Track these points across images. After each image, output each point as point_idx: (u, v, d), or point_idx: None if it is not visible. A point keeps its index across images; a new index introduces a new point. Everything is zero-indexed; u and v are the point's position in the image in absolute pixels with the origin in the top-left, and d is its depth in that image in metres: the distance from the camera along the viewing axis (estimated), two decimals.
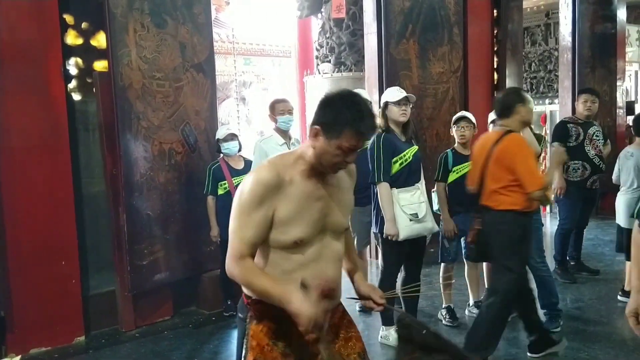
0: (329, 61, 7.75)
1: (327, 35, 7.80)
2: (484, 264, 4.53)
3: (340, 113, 1.77)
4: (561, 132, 5.11)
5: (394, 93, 3.87)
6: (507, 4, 6.81)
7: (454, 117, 4.35)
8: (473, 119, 4.29)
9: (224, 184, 4.36)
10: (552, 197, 5.07)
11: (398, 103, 3.78)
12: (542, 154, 5.31)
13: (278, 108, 4.15)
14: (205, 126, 4.68)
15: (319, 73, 7.75)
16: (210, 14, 4.69)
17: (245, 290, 1.89)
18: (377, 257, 5.52)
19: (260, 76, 16.83)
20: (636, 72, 11.37)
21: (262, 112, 15.38)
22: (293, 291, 1.72)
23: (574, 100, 7.63)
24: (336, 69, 7.63)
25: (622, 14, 8.02)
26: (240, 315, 3.07)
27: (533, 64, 10.05)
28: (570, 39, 7.61)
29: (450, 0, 6.14)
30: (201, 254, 4.68)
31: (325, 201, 1.87)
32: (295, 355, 1.86)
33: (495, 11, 6.78)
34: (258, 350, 1.85)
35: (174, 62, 4.42)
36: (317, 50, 8.05)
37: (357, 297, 2.08)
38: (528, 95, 3.54)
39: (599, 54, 7.77)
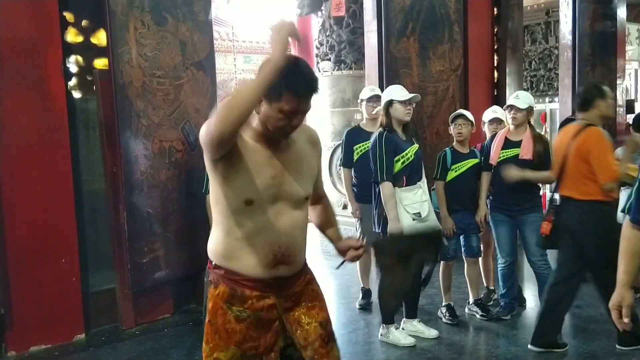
0: (329, 59, 7.74)
1: (327, 34, 7.80)
2: (481, 262, 4.54)
3: (281, 78, 1.70)
4: None
5: (400, 92, 3.90)
6: (507, 2, 6.82)
7: (451, 115, 4.37)
8: (471, 117, 4.30)
9: None
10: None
11: (404, 102, 3.81)
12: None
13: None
14: None
15: (319, 71, 7.74)
16: (210, 12, 4.69)
17: (210, 254, 1.93)
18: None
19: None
20: (636, 71, 11.38)
21: None
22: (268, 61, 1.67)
23: (573, 98, 7.65)
24: (336, 67, 7.61)
25: (622, 12, 8.02)
26: (205, 279, 3.10)
27: (533, 62, 10.04)
28: (570, 37, 7.61)
29: None
30: (201, 252, 4.58)
31: (278, 170, 1.87)
32: (250, 320, 1.88)
33: (495, 9, 6.78)
34: (212, 312, 1.90)
35: (174, 60, 4.42)
36: (317, 48, 8.05)
37: (340, 261, 2.15)
38: (609, 90, 3.67)
39: (599, 52, 7.77)
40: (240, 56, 16.19)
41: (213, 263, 1.93)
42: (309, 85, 1.78)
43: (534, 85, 10.06)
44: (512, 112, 4.18)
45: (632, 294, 1.98)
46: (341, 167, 4.95)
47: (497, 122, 4.55)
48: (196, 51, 4.60)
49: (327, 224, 2.19)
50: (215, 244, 1.92)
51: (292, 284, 1.96)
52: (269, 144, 1.86)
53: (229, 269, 1.88)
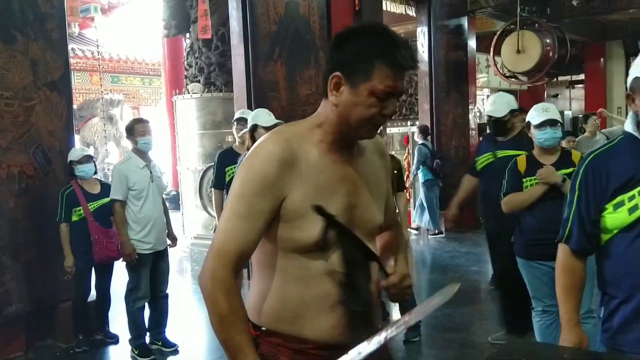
0: (199, 81, 7.68)
1: (196, 56, 7.73)
2: None
3: (366, 45, 1.32)
4: None
5: (265, 117, 3.99)
6: None
7: None
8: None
9: (79, 209, 4.11)
10: None
11: (267, 128, 3.85)
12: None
13: (138, 129, 4.02)
14: (61, 147, 4.43)
15: (188, 93, 7.64)
16: (65, 30, 4.48)
17: (256, 315, 1.42)
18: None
19: (129, 94, 16.29)
20: (487, 97, 12.41)
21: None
22: None
23: (432, 122, 8.18)
24: (206, 89, 7.56)
25: (472, 43, 8.73)
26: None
27: None
28: (427, 65, 8.16)
29: (315, 25, 6.34)
30: (57, 283, 4.38)
31: (352, 188, 1.41)
32: None
33: None
34: None
35: (24, 81, 4.15)
36: (187, 70, 7.95)
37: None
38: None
39: (453, 79, 8.39)
40: (108, 76, 15.60)
41: (263, 328, 1.41)
42: (411, 54, 1.34)
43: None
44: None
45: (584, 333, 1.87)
46: (212, 189, 4.88)
47: None
48: (49, 71, 4.35)
49: (394, 250, 1.61)
50: (269, 301, 1.39)
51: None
52: (340, 152, 1.41)
53: (294, 335, 1.37)
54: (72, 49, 14.11)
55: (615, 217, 1.73)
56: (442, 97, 8.24)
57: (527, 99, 11.23)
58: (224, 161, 4.57)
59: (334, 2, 6.57)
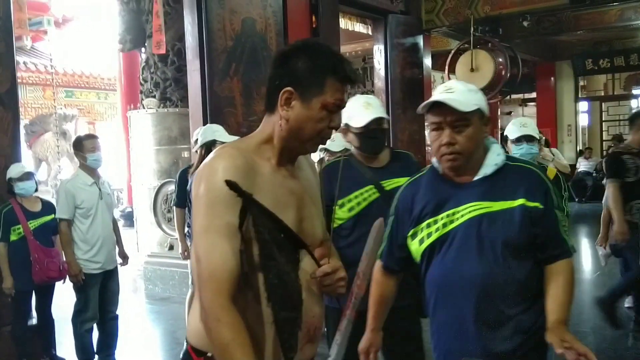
0: (154, 96, 7.56)
1: (152, 70, 7.62)
2: None
3: (317, 61, 1.38)
4: (617, 166, 4.34)
5: (225, 133, 3.98)
6: None
7: None
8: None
9: (18, 228, 3.93)
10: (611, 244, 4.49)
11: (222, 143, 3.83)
12: None
13: (87, 145, 3.92)
14: (7, 164, 4.26)
15: (144, 108, 7.52)
16: (12, 43, 4.33)
17: (194, 339, 1.39)
18: None
19: (84, 109, 15.96)
20: None
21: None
22: None
23: (389, 138, 8.26)
24: (161, 104, 7.45)
25: (427, 61, 8.87)
26: None
27: None
28: (383, 82, 8.24)
29: (272, 42, 6.33)
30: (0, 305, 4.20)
31: (300, 197, 1.44)
32: None
33: None
34: None
35: None
36: (142, 85, 7.82)
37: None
38: None
39: (409, 96, 8.49)
40: (62, 90, 15.25)
41: (209, 354, 1.36)
42: (354, 69, 1.44)
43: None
44: (327, 156, 4.19)
45: (381, 337, 1.98)
46: (174, 207, 4.76)
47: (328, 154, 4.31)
48: None
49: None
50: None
51: None
52: (287, 167, 1.45)
53: None
54: (24, 62, 13.78)
55: (413, 246, 1.83)
56: (399, 113, 8.31)
57: None
58: (185, 179, 4.48)
59: (291, 19, 6.60)
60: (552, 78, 12.60)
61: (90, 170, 3.96)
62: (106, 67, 15.14)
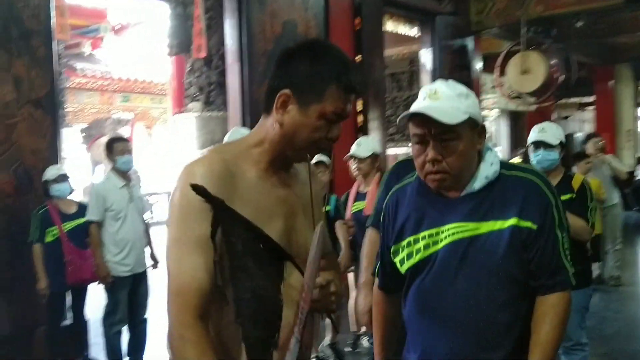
0: (198, 100, 7.62)
1: (197, 74, 7.68)
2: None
3: (320, 65, 1.27)
4: None
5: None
6: (368, 51, 7.06)
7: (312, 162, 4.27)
8: (328, 162, 4.24)
9: (53, 229, 3.99)
10: None
11: None
12: None
13: (117, 148, 3.93)
14: (44, 167, 4.32)
15: (189, 112, 7.58)
16: (52, 48, 4.40)
17: None
18: None
19: (140, 114, 16.36)
20: (498, 117, 12.23)
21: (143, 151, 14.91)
22: None
23: None
24: (205, 108, 7.50)
25: (477, 63, 8.59)
26: None
27: (400, 108, 10.49)
28: None
29: None
30: (34, 306, 4.25)
31: (291, 206, 1.34)
32: None
33: (358, 57, 6.99)
34: None
35: (6, 97, 4.08)
36: (187, 89, 7.90)
37: None
38: None
39: None
40: (119, 95, 15.70)
41: None
42: (360, 79, 1.32)
43: (400, 130, 10.47)
44: (355, 162, 3.87)
45: None
46: None
47: (323, 166, 4.13)
48: (34, 88, 4.27)
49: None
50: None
51: None
52: (278, 174, 1.34)
53: None
54: (82, 68, 14.24)
55: (397, 264, 1.60)
56: None
57: (535, 121, 11.00)
58: None
59: (333, 21, 6.50)
60: (611, 81, 12.00)
61: (121, 173, 3.96)
62: (159, 72, 15.47)
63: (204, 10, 6.43)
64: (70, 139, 11.17)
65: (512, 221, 1.45)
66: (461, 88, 1.51)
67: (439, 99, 1.45)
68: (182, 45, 7.93)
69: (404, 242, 1.56)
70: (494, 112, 11.74)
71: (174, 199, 1.23)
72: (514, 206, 1.46)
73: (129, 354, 4.13)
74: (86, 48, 14.85)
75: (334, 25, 6.49)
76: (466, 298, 1.46)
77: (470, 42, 8.43)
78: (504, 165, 1.55)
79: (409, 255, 1.55)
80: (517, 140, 11.26)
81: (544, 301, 1.47)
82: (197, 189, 1.18)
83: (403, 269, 1.57)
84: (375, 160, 3.90)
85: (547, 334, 1.44)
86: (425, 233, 1.52)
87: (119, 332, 4.03)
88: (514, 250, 1.45)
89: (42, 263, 3.98)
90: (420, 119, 1.44)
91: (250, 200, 1.25)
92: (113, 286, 3.90)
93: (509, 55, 7.86)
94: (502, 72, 7.86)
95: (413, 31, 8.45)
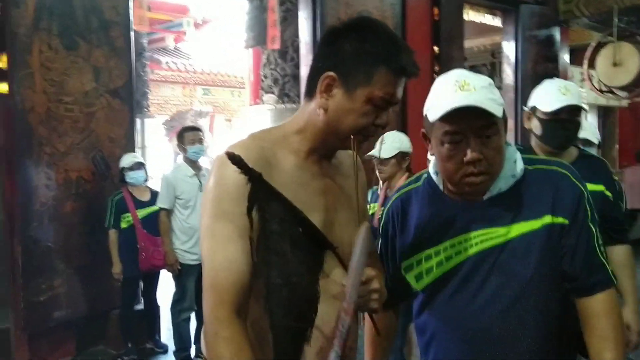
0: (273, 92, 7.64)
1: (272, 67, 7.70)
2: None
3: (368, 45, 1.16)
4: None
5: None
6: (447, 42, 6.82)
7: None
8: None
9: (127, 216, 4.10)
10: None
11: None
12: None
13: (188, 137, 3.96)
14: (121, 154, 4.44)
15: (263, 104, 7.63)
16: (130, 39, 4.51)
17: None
18: None
19: (220, 106, 16.73)
20: (585, 113, 11.55)
21: (222, 142, 15.24)
22: None
23: (516, 138, 7.67)
24: (280, 101, 7.51)
25: (564, 55, 8.13)
26: None
27: None
28: (512, 78, 7.66)
29: None
30: (110, 289, 4.39)
31: (333, 198, 1.24)
32: None
33: (435, 48, 6.77)
34: None
35: (85, 86, 4.21)
36: (262, 81, 7.95)
37: None
38: None
39: None
40: (200, 88, 16.13)
41: None
42: (413, 60, 1.19)
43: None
44: (377, 164, 3.33)
45: None
46: None
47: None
48: (112, 78, 4.39)
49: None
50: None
51: None
52: (320, 163, 1.24)
53: None
54: (166, 62, 14.73)
55: (410, 280, 1.43)
56: None
57: (627, 117, 10.33)
58: None
59: (410, 12, 6.31)
60: None
61: (192, 162, 4.00)
62: (239, 65, 15.76)
63: (278, 1, 6.41)
64: (153, 129, 11.55)
65: (545, 219, 1.30)
66: (486, 77, 1.34)
67: (474, 89, 1.26)
68: (258, 37, 7.98)
69: (420, 256, 1.39)
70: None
71: (208, 186, 1.15)
72: (545, 202, 1.31)
73: (196, 342, 4.17)
74: (169, 42, 15.33)
75: (410, 16, 6.30)
76: (496, 309, 1.31)
77: (556, 33, 7.97)
78: (524, 159, 1.38)
79: (428, 270, 1.38)
80: (608, 136, 10.60)
81: (591, 306, 1.30)
82: (234, 158, 1.10)
83: (420, 285, 1.41)
84: (403, 160, 3.34)
85: (609, 332, 1.28)
86: (447, 244, 1.35)
87: (187, 320, 4.08)
88: (550, 252, 1.29)
89: (116, 248, 4.10)
90: (460, 113, 1.24)
91: (286, 191, 1.15)
92: (181, 274, 3.95)
93: (599, 46, 7.37)
94: (591, 65, 7.38)
95: (495, 21, 8.10)
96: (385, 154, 3.26)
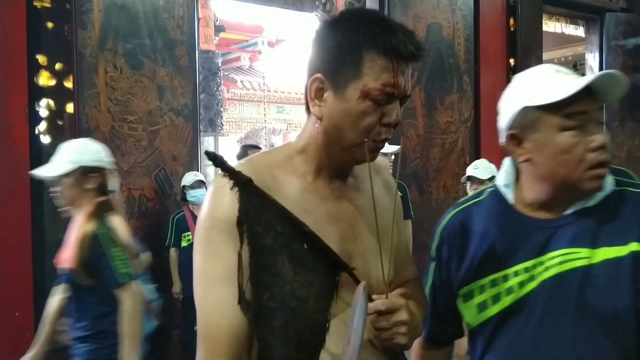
0: None
1: None
2: None
3: (350, 32, 0.99)
4: None
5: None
6: (524, 54, 6.47)
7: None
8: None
9: (188, 235, 4.07)
10: None
11: (386, 154, 3.66)
12: None
13: (250, 154, 3.89)
14: (184, 172, 4.44)
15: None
16: (195, 57, 4.51)
17: None
18: None
19: (293, 124, 16.85)
20: None
21: None
22: None
23: None
24: None
25: None
26: None
27: None
28: None
29: (460, 48, 5.85)
30: (173, 309, 4.36)
31: (350, 225, 1.06)
32: None
33: (512, 60, 6.43)
34: None
35: (149, 105, 4.24)
36: None
37: None
38: None
39: (629, 107, 7.28)
40: (274, 106, 16.32)
41: None
42: (410, 38, 0.99)
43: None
44: (472, 185, 3.62)
45: None
46: None
47: (477, 182, 3.64)
48: (176, 97, 4.41)
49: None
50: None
51: None
52: (331, 184, 1.08)
53: None
54: (241, 80, 15.02)
55: (467, 311, 1.21)
56: (615, 125, 7.16)
57: None
58: None
59: (484, 23, 6.04)
60: None
61: None
62: None
63: None
64: (226, 147, 11.72)
65: (632, 246, 1.08)
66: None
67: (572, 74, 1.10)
68: None
69: (485, 281, 1.17)
70: None
71: (200, 217, 0.99)
72: (633, 228, 1.10)
73: None
74: (245, 61, 15.63)
75: (484, 27, 6.03)
76: (574, 350, 1.08)
77: None
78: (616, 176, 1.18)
79: (495, 298, 1.16)
80: None
81: None
82: (215, 159, 0.90)
83: (484, 316, 1.18)
84: None
85: None
86: (520, 267, 1.14)
87: None
88: (637, 284, 1.08)
89: (176, 267, 4.06)
90: (578, 95, 1.05)
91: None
92: None
93: None
94: None
95: (578, 31, 7.64)
96: (482, 175, 3.59)
